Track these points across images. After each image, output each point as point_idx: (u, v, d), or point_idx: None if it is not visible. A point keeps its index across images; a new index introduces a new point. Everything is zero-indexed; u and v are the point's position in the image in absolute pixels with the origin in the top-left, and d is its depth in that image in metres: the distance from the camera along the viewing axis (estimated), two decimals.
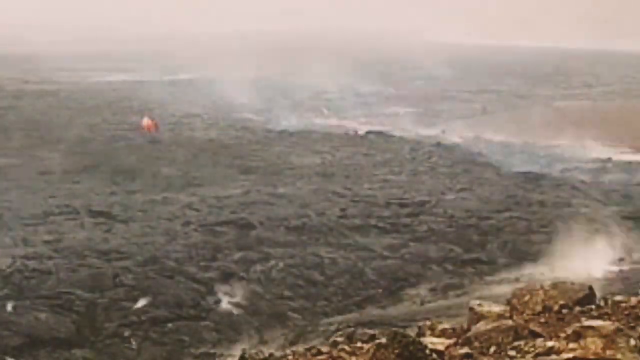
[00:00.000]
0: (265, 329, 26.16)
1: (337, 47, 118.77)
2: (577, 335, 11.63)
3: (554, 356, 11.31)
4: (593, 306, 14.51)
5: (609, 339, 11.29)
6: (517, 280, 29.22)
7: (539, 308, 14.63)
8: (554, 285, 15.40)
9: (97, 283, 28.58)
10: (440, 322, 20.98)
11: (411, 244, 33.40)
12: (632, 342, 11.40)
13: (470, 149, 53.37)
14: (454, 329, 17.58)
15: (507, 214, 37.00)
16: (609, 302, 14.76)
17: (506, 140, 55.23)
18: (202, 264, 30.39)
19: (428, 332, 18.07)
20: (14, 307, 26.53)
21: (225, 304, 27.64)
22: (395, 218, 36.55)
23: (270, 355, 21.61)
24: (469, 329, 14.43)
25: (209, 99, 74.43)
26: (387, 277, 30.08)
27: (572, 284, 15.82)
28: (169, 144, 53.28)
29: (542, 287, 15.26)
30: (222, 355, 24.77)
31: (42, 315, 25.96)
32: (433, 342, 13.15)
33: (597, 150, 52.50)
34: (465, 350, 12.35)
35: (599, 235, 34.66)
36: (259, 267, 30.49)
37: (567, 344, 11.59)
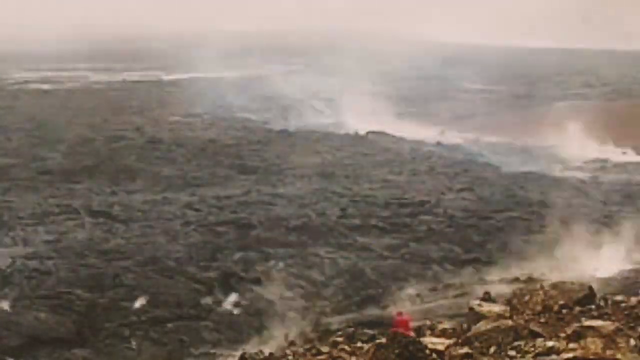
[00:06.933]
0: (265, 329, 26.16)
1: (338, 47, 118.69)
2: (577, 335, 11.66)
3: (554, 356, 11.34)
4: (593, 306, 14.55)
5: (609, 339, 11.32)
6: (517, 280, 29.21)
7: (539, 308, 14.67)
8: (554, 285, 15.45)
9: (97, 283, 28.60)
10: (440, 322, 21.01)
11: (411, 244, 33.41)
12: (632, 342, 11.43)
13: (470, 149, 53.33)
14: (454, 329, 17.58)
15: (507, 214, 36.99)
16: (609, 302, 14.80)
17: (506, 140, 55.17)
18: (202, 264, 30.41)
19: (428, 332, 18.07)
20: (14, 307, 26.56)
21: (225, 304, 27.66)
22: (395, 218, 36.55)
23: (270, 355, 21.65)
24: (469, 329, 14.45)
25: None
26: (387, 277, 30.09)
27: (572, 284, 15.88)
28: (169, 144, 53.24)
29: (542, 287, 15.31)
30: (222, 355, 24.79)
31: (42, 315, 25.99)
32: (433, 342, 13.19)
33: (597, 150, 52.46)
34: (465, 350, 12.38)
35: (598, 235, 34.67)
36: (259, 267, 30.51)
37: (567, 344, 11.62)
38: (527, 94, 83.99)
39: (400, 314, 23.83)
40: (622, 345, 11.26)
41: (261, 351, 22.93)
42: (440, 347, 12.68)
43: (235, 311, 27.34)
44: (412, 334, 22.53)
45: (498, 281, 29.98)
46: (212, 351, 25.06)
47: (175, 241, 32.73)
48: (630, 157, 51.24)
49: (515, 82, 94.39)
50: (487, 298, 21.81)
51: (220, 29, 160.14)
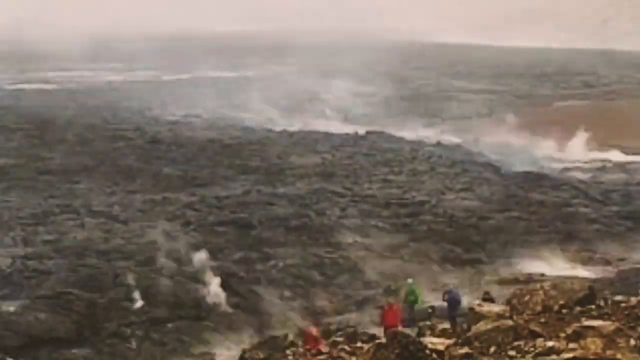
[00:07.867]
0: (265, 329, 26.17)
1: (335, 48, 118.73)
2: (577, 335, 11.64)
3: (554, 356, 11.33)
4: (593, 306, 14.52)
5: (609, 339, 11.30)
6: (517, 280, 29.23)
7: (539, 308, 14.64)
8: (554, 285, 15.41)
9: (97, 283, 28.59)
10: (440, 322, 21.00)
11: (411, 244, 33.42)
12: (632, 342, 11.42)
13: (470, 149, 53.29)
14: (454, 329, 17.56)
15: (507, 214, 36.99)
16: (609, 302, 14.77)
17: (506, 140, 55.11)
18: (201, 264, 30.40)
19: (428, 332, 18.05)
20: (14, 307, 26.56)
21: (225, 304, 27.66)
22: (395, 218, 36.56)
23: (270, 355, 21.65)
24: (469, 329, 14.45)
25: None
26: (387, 277, 30.10)
27: (572, 284, 15.83)
28: (169, 144, 53.19)
29: (542, 287, 15.27)
30: (222, 355, 24.80)
31: (42, 315, 25.98)
32: (433, 342, 13.17)
33: (597, 150, 52.43)
34: (465, 350, 12.37)
35: (599, 235, 34.69)
36: (259, 267, 30.51)
37: (567, 344, 11.61)
38: (527, 94, 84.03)
39: (390, 305, 23.84)
40: (622, 345, 11.25)
41: (261, 351, 22.91)
42: (440, 347, 12.66)
43: (235, 311, 27.35)
44: (397, 324, 22.39)
45: (498, 281, 30.00)
46: (212, 351, 25.07)
47: (175, 241, 32.72)
48: (630, 157, 51.21)
49: (515, 82, 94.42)
50: (487, 298, 21.89)
51: None
